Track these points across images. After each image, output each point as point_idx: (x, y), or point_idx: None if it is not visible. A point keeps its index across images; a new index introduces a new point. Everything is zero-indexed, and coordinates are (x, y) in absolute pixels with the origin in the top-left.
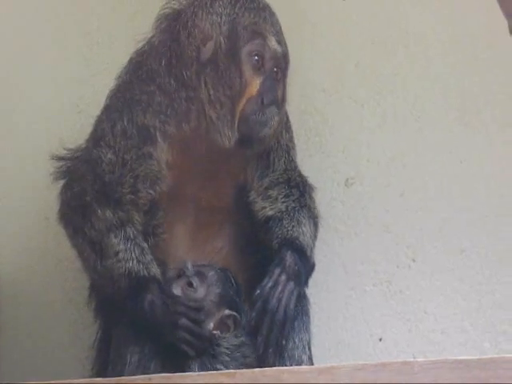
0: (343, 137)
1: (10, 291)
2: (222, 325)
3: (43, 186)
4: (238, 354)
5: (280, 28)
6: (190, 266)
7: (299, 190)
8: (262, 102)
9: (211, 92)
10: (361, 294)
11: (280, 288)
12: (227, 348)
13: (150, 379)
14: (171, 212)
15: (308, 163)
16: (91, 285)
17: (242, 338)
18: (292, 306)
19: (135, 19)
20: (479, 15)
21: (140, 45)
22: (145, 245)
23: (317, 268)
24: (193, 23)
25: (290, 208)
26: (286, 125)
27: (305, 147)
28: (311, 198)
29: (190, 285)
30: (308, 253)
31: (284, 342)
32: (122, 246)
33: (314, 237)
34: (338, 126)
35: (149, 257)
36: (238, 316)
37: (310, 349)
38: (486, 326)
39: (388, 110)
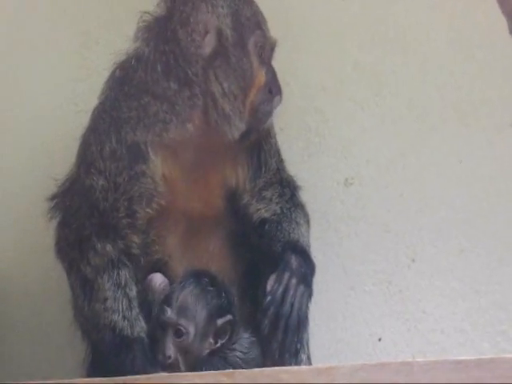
0: (343, 137)
1: (6, 289)
2: (220, 333)
3: (41, 185)
4: (251, 355)
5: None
6: (168, 312)
7: (290, 190)
8: (270, 92)
9: (224, 85)
10: (360, 294)
11: (291, 292)
12: (241, 351)
13: (149, 379)
14: (164, 225)
15: (307, 163)
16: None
17: (253, 339)
18: (304, 308)
19: (134, 18)
20: (478, 15)
21: (121, 59)
22: (133, 293)
23: (316, 268)
24: (195, 18)
25: (285, 209)
26: (273, 126)
27: (304, 147)
28: (299, 196)
29: (179, 335)
30: (309, 254)
31: (299, 346)
32: (111, 293)
33: (309, 236)
34: (338, 126)
35: (135, 311)
36: (232, 317)
37: (308, 348)
38: (485, 326)
39: (387, 110)
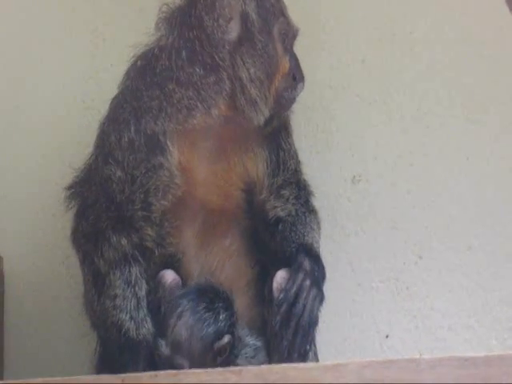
0: (350, 134)
1: (15, 287)
2: (218, 354)
3: (50, 183)
4: (256, 361)
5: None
6: (163, 346)
7: (305, 194)
8: (294, 79)
9: (251, 70)
10: (367, 291)
11: (305, 293)
12: (246, 358)
13: (156, 376)
14: (180, 216)
15: (315, 160)
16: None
17: (259, 343)
18: (316, 311)
19: (141, 15)
20: (486, 13)
21: (142, 49)
22: (142, 293)
23: (324, 265)
24: (221, 3)
25: (300, 212)
26: (290, 126)
27: (312, 144)
28: (313, 202)
29: (177, 367)
30: (321, 260)
31: (308, 348)
32: (120, 291)
33: (319, 243)
34: (345, 123)
35: (142, 312)
36: (230, 336)
37: (315, 345)
38: (492, 323)
39: (395, 108)
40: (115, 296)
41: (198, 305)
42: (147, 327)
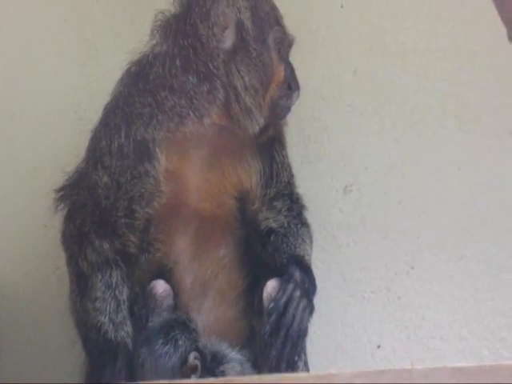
0: (342, 144)
1: (8, 297)
2: (190, 373)
3: (41, 193)
4: (242, 374)
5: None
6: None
7: (298, 207)
8: (290, 87)
9: (246, 78)
10: (359, 301)
11: (294, 304)
12: (234, 372)
13: None
14: (172, 224)
15: (307, 170)
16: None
17: (242, 357)
18: (305, 322)
19: (133, 25)
20: (478, 22)
21: (137, 56)
22: (123, 296)
23: (315, 275)
24: (216, 12)
25: (292, 224)
26: (284, 138)
27: (303, 154)
28: (306, 216)
29: None
30: (312, 272)
31: (296, 358)
32: (100, 294)
33: (311, 257)
34: (337, 134)
35: (122, 315)
36: (195, 353)
37: (305, 354)
38: (484, 333)
39: (386, 118)
40: (95, 298)
41: (155, 344)
42: (126, 330)
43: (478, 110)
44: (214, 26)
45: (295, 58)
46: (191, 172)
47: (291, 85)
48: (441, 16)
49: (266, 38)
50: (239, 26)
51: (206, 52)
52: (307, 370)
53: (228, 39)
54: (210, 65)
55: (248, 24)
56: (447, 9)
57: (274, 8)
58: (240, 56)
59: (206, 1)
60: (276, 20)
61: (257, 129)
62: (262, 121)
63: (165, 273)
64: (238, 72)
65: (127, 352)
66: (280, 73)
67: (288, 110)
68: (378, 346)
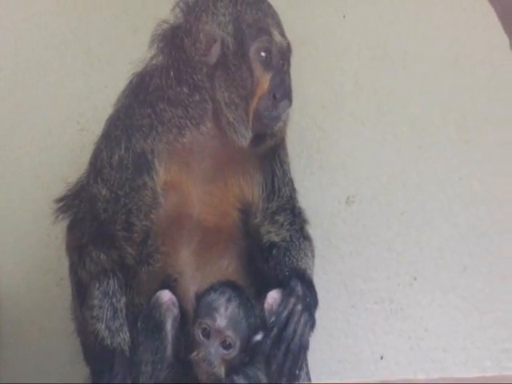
0: (343, 154)
1: (10, 308)
2: (251, 350)
3: (44, 204)
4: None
5: (279, 18)
6: (218, 319)
7: (300, 221)
8: (275, 98)
9: (225, 94)
10: (362, 312)
11: (296, 318)
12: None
13: None
14: (175, 235)
15: (309, 180)
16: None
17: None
18: (306, 336)
19: (136, 36)
20: (480, 32)
21: (138, 68)
22: (120, 304)
23: (318, 286)
24: (197, 28)
25: (294, 238)
26: (285, 153)
27: (305, 164)
28: (308, 230)
29: (227, 347)
30: (314, 286)
31: (297, 372)
32: (97, 302)
33: (313, 271)
34: (339, 143)
35: (118, 322)
36: (263, 334)
37: (307, 365)
38: (487, 344)
39: (388, 128)
40: (93, 306)
41: (241, 296)
42: (122, 337)
43: (479, 121)
44: (195, 42)
45: (296, 68)
46: (193, 183)
47: (276, 95)
48: (442, 26)
49: (247, 50)
50: (223, 42)
51: (191, 65)
52: (309, 380)
53: (214, 55)
54: (195, 77)
55: (228, 39)
56: (449, 18)
57: (261, 18)
58: (220, 71)
59: (190, 16)
60: (262, 30)
61: (244, 142)
62: (248, 133)
63: (170, 283)
64: (220, 87)
65: (124, 358)
66: (264, 84)
67: (276, 119)
68: (381, 357)
